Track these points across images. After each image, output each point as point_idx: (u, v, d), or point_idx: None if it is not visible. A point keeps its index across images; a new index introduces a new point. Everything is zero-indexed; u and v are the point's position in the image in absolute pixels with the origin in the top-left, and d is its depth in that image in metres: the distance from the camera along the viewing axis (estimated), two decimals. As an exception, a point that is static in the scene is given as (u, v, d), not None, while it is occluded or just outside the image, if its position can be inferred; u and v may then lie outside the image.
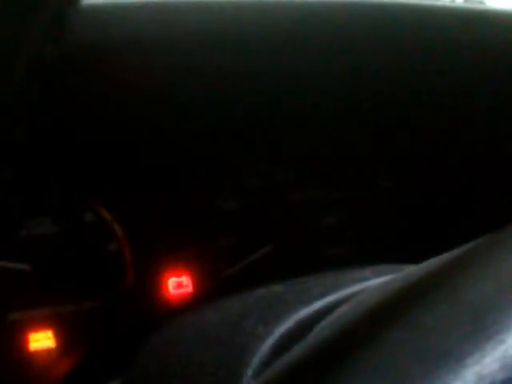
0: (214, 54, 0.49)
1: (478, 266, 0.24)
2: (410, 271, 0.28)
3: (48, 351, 0.61)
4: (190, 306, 0.49)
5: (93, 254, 0.64)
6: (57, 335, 0.61)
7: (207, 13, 0.46)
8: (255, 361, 0.30)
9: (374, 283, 0.33)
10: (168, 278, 0.66)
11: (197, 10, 0.45)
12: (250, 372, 0.30)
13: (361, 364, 0.21)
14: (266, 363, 0.30)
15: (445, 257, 0.27)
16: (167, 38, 0.46)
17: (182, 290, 0.66)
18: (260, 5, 0.48)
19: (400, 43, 0.54)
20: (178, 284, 0.66)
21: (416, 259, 0.31)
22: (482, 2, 0.61)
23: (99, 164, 0.65)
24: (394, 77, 0.61)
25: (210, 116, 0.63)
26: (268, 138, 0.71)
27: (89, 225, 0.65)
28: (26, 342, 0.61)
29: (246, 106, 0.63)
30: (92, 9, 0.42)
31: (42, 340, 0.61)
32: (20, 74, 0.25)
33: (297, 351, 0.26)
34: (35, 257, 0.62)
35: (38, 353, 0.61)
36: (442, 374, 0.19)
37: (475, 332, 0.20)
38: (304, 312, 0.32)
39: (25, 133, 0.27)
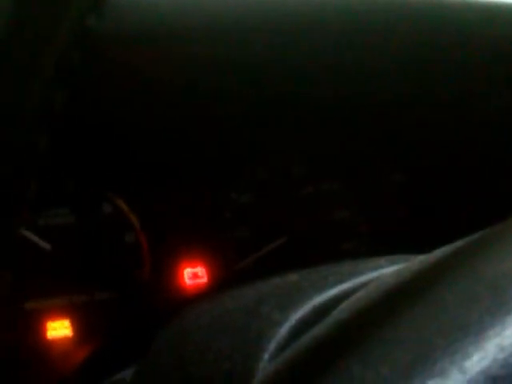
0: (230, 44, 0.49)
1: (495, 245, 0.24)
2: (428, 256, 0.28)
3: (65, 339, 0.62)
4: (205, 294, 0.50)
5: (110, 245, 0.65)
6: (74, 324, 0.62)
7: (225, 3, 0.46)
8: (272, 345, 0.30)
9: (389, 270, 0.33)
10: (184, 269, 0.67)
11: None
12: (266, 356, 0.30)
13: (383, 339, 0.21)
14: (283, 348, 0.30)
15: (461, 241, 0.28)
16: (185, 28, 0.46)
17: (198, 281, 0.67)
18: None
19: (407, 38, 0.54)
20: (193, 274, 0.67)
21: (428, 252, 0.32)
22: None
23: (117, 156, 0.65)
24: (403, 72, 0.61)
25: (225, 108, 0.63)
26: (282, 132, 0.71)
27: (106, 216, 0.65)
28: (44, 330, 0.61)
29: (262, 99, 0.63)
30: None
31: (59, 329, 0.62)
32: (62, 44, 0.25)
33: (315, 332, 0.26)
34: (53, 246, 0.63)
35: (55, 341, 0.62)
36: (463, 346, 0.20)
37: (495, 306, 0.21)
38: (320, 298, 0.32)
39: (67, 103, 0.27)
